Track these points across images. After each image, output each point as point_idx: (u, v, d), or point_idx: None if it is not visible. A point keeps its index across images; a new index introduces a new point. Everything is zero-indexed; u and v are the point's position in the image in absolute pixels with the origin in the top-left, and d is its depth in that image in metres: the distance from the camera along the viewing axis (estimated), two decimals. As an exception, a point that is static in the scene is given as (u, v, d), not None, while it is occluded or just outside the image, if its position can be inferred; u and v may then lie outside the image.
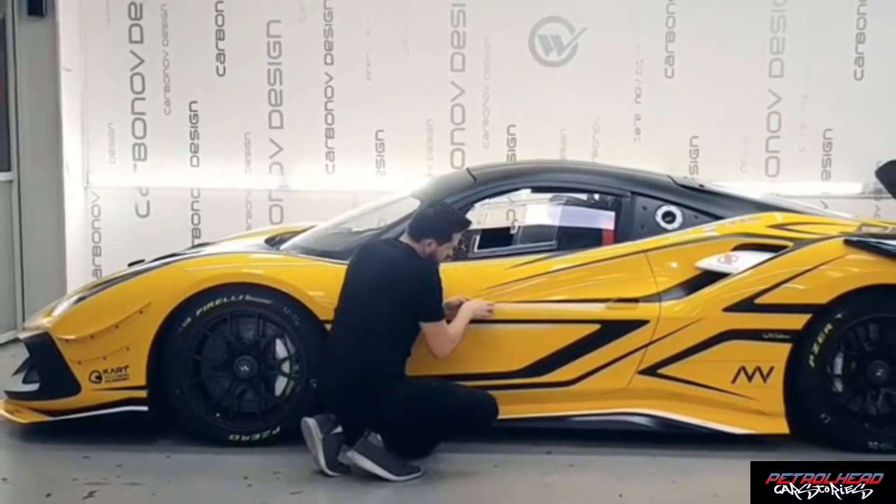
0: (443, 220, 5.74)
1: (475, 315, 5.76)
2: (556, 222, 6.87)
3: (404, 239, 5.74)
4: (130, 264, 6.73)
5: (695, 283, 5.98)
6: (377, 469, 5.38)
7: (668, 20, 8.85)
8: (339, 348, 5.54)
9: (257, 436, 5.92)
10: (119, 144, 9.22)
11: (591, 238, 6.45)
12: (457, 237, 5.82)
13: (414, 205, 6.43)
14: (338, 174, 9.11)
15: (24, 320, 8.21)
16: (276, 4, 9.02)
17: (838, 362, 5.90)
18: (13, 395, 6.23)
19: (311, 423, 5.46)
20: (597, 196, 6.77)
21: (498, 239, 6.88)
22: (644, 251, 6.11)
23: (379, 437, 5.41)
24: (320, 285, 5.92)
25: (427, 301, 5.53)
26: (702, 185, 6.74)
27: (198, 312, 5.89)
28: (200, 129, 9.17)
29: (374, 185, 8.83)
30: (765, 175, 8.95)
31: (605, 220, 6.49)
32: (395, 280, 5.53)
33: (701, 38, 8.83)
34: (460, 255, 6.31)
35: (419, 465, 5.52)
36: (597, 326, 5.85)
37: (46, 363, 6.06)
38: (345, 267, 5.84)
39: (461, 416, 5.56)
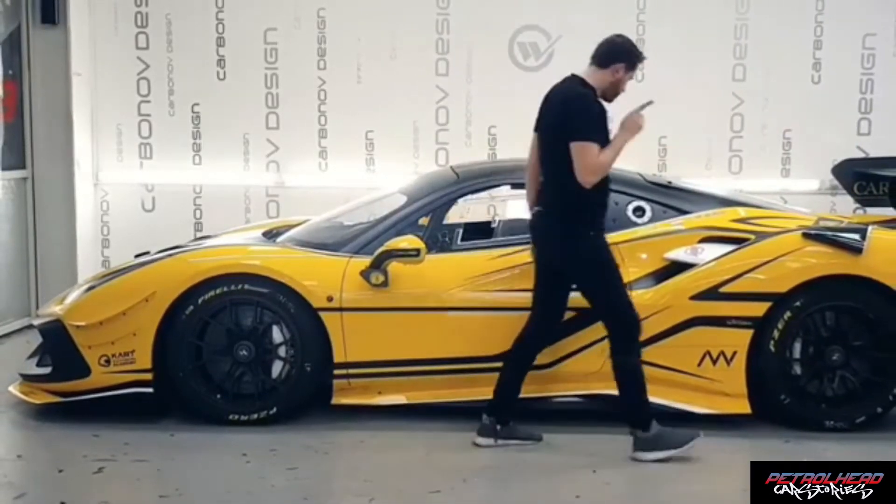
0: (631, 46, 5.58)
1: (627, 131, 5.51)
2: (534, 216, 6.85)
3: (581, 72, 5.50)
4: (137, 256, 6.71)
5: (663, 274, 5.98)
6: (662, 454, 5.35)
7: (639, 28, 8.82)
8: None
9: (255, 415, 5.90)
10: (126, 144, 9.17)
11: (566, 231, 6.42)
12: (636, 69, 5.60)
13: (401, 200, 6.43)
14: (330, 172, 9.07)
15: (37, 308, 8.18)
16: (273, 13, 8.98)
17: (797, 347, 5.90)
18: (27, 378, 6.21)
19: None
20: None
21: (480, 232, 6.86)
22: (615, 243, 6.07)
23: (640, 430, 5.38)
24: (314, 275, 5.91)
25: (575, 120, 5.34)
26: (670, 182, 6.74)
27: (200, 301, 5.87)
28: (202, 129, 9.12)
29: (365, 181, 8.78)
30: (728, 172, 8.95)
31: (580, 215, 6.46)
32: (554, 106, 5.45)
33: (668, 45, 8.79)
34: (444, 246, 6.28)
35: (698, 430, 5.46)
36: (572, 314, 5.83)
37: (58, 348, 6.04)
38: (337, 259, 5.94)
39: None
